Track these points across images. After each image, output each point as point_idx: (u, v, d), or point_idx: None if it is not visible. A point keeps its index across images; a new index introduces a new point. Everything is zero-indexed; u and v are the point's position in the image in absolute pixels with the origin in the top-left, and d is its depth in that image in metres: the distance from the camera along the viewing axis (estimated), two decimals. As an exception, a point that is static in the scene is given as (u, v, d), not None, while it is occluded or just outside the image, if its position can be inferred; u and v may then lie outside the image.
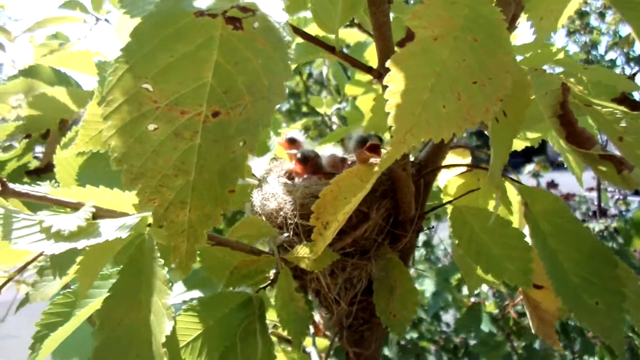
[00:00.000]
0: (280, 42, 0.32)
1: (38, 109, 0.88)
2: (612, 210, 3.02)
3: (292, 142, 0.72)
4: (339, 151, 0.71)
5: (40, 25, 1.21)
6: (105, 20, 1.27)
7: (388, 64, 0.34)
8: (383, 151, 0.65)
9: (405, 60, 0.34)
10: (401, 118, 0.34)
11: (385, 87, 0.35)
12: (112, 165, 0.30)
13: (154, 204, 0.31)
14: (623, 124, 0.55)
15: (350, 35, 1.20)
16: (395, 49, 0.34)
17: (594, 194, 2.85)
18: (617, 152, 0.52)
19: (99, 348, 0.44)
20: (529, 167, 3.19)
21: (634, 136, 0.54)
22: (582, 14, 2.92)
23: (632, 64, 2.83)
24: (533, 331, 0.67)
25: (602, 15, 2.98)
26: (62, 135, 0.83)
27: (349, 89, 1.24)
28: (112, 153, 0.30)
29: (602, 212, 2.65)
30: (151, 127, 0.31)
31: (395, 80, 0.34)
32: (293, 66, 0.49)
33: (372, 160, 0.62)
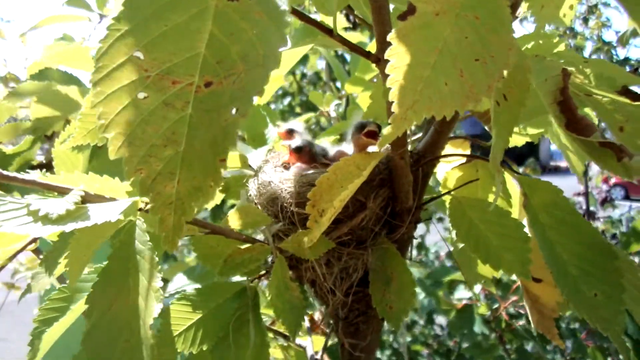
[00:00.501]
0: (276, 11, 0.31)
1: (47, 104, 0.88)
2: (600, 213, 3.03)
3: (290, 133, 0.71)
4: (348, 149, 0.70)
5: (45, 23, 1.20)
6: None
7: (390, 37, 0.33)
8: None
9: (406, 35, 0.33)
10: (403, 94, 0.33)
11: (386, 64, 0.34)
12: (99, 132, 0.29)
13: (140, 174, 0.30)
14: (624, 114, 0.54)
15: (352, 37, 1.20)
16: (397, 22, 0.34)
17: (581, 199, 2.85)
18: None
19: (88, 334, 0.43)
20: (520, 170, 3.18)
21: (635, 125, 0.53)
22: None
23: (616, 67, 2.84)
24: (533, 325, 0.66)
25: (585, 21, 3.01)
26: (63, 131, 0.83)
27: (349, 87, 1.23)
28: (99, 119, 0.30)
29: (590, 216, 2.65)
30: (141, 95, 0.30)
31: (397, 54, 0.33)
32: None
33: (369, 148, 0.61)
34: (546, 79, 0.50)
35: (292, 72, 2.55)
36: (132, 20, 0.32)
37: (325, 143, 0.75)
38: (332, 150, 0.70)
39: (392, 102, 0.34)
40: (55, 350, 0.62)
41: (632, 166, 0.49)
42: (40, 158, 1.00)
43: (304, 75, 2.76)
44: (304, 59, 2.39)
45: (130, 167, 0.30)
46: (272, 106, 2.78)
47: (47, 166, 0.96)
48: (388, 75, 0.34)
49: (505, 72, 0.36)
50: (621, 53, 2.60)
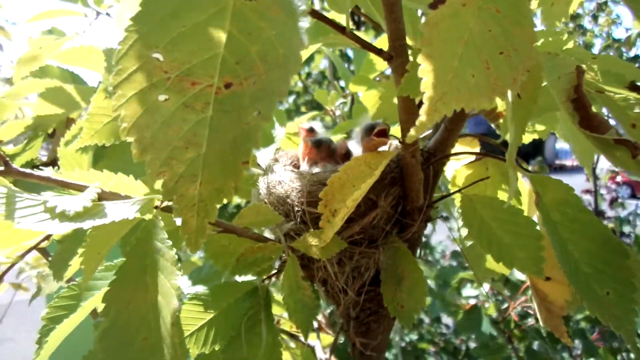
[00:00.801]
0: (294, 10, 0.31)
1: (50, 101, 0.88)
2: (609, 213, 3.03)
3: (311, 131, 0.72)
4: (355, 147, 0.70)
5: (41, 17, 1.20)
6: (107, 14, 1.26)
7: (421, 26, 0.33)
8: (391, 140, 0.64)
9: (437, 24, 0.33)
10: (435, 84, 0.32)
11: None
12: (121, 135, 0.29)
13: (163, 177, 0.30)
14: (637, 110, 0.54)
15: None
16: (428, 11, 0.33)
17: (589, 197, 2.85)
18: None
19: (104, 332, 0.43)
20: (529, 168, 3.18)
21: (648, 123, 0.53)
22: (575, 17, 2.94)
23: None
24: (541, 323, 0.66)
25: (595, 18, 3.01)
26: (68, 130, 0.83)
27: (353, 86, 1.23)
28: (121, 123, 0.30)
29: (598, 214, 2.65)
30: (161, 97, 0.30)
31: (429, 43, 0.33)
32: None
33: (381, 148, 0.61)
34: (559, 77, 0.50)
35: (297, 71, 2.55)
36: (150, 21, 0.31)
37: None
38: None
39: (424, 92, 0.33)
40: (64, 348, 0.62)
41: (646, 164, 0.49)
42: (42, 157, 1.00)
43: (309, 75, 2.76)
44: (309, 59, 2.39)
45: (153, 170, 0.30)
46: (279, 105, 2.78)
47: (51, 165, 0.96)
48: (419, 65, 0.33)
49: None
50: (631, 51, 2.60)
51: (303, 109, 2.83)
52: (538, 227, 0.57)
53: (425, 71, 0.32)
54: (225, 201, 0.33)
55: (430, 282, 1.84)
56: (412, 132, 0.32)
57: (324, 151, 0.63)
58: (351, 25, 0.53)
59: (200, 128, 0.31)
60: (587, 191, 2.99)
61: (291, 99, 2.82)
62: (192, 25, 0.32)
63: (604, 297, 0.52)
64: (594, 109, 0.70)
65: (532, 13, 0.36)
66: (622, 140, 0.49)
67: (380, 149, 0.61)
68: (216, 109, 0.31)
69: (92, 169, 0.79)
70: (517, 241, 0.56)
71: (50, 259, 0.62)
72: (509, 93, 0.42)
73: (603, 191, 3.06)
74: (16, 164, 0.92)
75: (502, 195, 0.69)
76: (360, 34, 1.29)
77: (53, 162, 0.97)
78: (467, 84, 0.33)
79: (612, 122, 0.60)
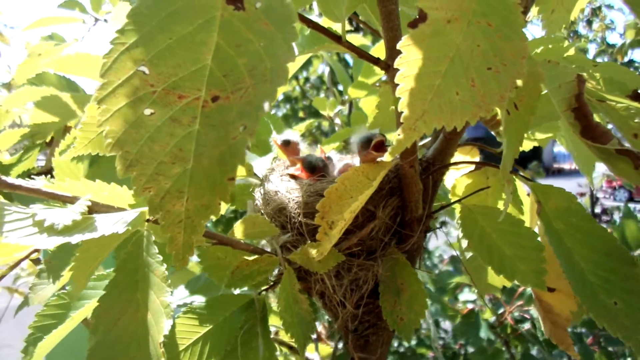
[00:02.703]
0: (284, 22, 0.30)
1: (45, 110, 0.87)
2: (604, 217, 3.02)
3: (286, 145, 0.69)
4: (355, 161, 0.69)
5: (39, 24, 1.20)
6: (105, 20, 1.26)
7: (399, 45, 0.33)
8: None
9: (417, 43, 0.32)
10: (412, 104, 0.32)
11: (395, 72, 0.33)
12: (106, 150, 0.28)
13: (149, 193, 0.29)
14: (638, 120, 0.53)
15: (355, 40, 1.19)
16: (407, 30, 0.33)
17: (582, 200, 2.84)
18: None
19: (93, 349, 0.42)
20: (528, 175, 3.17)
21: (651, 132, 0.52)
22: (570, 22, 2.94)
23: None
24: (546, 335, 0.65)
25: (589, 23, 3.00)
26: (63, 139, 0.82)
27: (352, 92, 1.22)
28: (106, 138, 0.29)
29: (594, 217, 2.64)
30: (147, 111, 0.30)
31: (407, 63, 0.32)
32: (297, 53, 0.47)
33: (378, 159, 0.60)
34: (560, 85, 0.49)
35: (295, 76, 2.54)
36: (136, 33, 0.31)
37: (332, 152, 0.74)
38: (338, 163, 0.68)
39: (402, 112, 0.33)
40: (57, 353, 0.61)
41: (648, 174, 0.48)
42: (41, 162, 1.00)
43: (307, 80, 2.76)
44: (307, 64, 2.38)
45: (139, 185, 0.29)
46: (276, 111, 2.77)
47: (47, 174, 0.95)
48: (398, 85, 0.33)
49: (518, 82, 0.35)
50: (623, 59, 2.61)
51: (301, 114, 2.83)
52: (539, 238, 0.56)
53: (403, 91, 0.32)
54: (213, 218, 0.32)
55: (430, 286, 1.83)
56: (389, 151, 0.32)
57: (318, 174, 0.62)
58: (350, 28, 0.53)
59: (187, 143, 0.30)
60: (582, 194, 2.99)
61: (289, 104, 2.81)
62: (178, 38, 0.31)
63: (612, 306, 0.50)
64: (596, 117, 0.69)
65: (524, 26, 0.35)
66: (624, 150, 0.48)
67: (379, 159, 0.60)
68: (203, 123, 0.30)
69: (86, 176, 0.79)
70: (519, 253, 0.55)
71: (39, 267, 0.61)
72: (503, 107, 0.41)
73: (600, 194, 3.05)
74: (13, 174, 0.91)
75: (502, 205, 0.68)
76: (359, 37, 1.29)
77: (49, 170, 0.96)
78: (450, 102, 0.32)
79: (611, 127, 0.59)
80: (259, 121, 0.29)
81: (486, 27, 0.35)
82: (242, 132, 0.29)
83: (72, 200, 0.45)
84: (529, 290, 1.46)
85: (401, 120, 0.32)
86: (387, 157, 0.33)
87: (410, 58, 0.32)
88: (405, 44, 0.33)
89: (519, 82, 0.41)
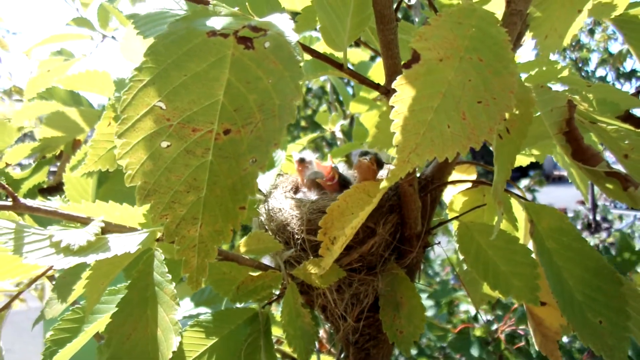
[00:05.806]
0: (291, 61, 0.33)
1: (53, 127, 0.90)
2: (604, 224, 3.04)
3: (302, 162, 0.74)
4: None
5: (47, 42, 1.23)
6: (112, 37, 1.29)
7: (394, 85, 0.35)
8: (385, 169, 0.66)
9: (411, 82, 0.35)
10: (405, 138, 0.34)
11: (391, 108, 0.36)
12: (126, 182, 0.31)
13: (166, 220, 0.32)
14: (628, 142, 0.55)
15: (354, 55, 1.22)
16: (403, 70, 0.35)
17: (583, 208, 2.86)
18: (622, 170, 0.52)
19: (106, 363, 0.44)
20: (525, 182, 3.20)
21: (640, 153, 0.54)
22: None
23: (622, 80, 2.86)
24: (536, 348, 0.66)
25: (591, 32, 3.04)
26: (74, 155, 0.85)
27: (353, 107, 1.25)
28: (125, 170, 0.31)
29: (597, 225, 2.65)
30: (164, 144, 0.32)
31: (401, 101, 0.35)
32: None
33: (379, 174, 0.62)
34: (552, 110, 0.51)
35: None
36: (153, 71, 0.33)
37: (341, 165, 0.77)
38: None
39: (396, 145, 0.35)
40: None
41: (637, 195, 0.50)
42: (48, 177, 1.02)
43: (309, 90, 2.79)
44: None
45: (156, 213, 0.31)
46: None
47: (57, 189, 0.97)
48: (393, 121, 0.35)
49: (507, 115, 0.37)
50: (627, 64, 2.65)
51: (303, 123, 2.85)
52: (533, 255, 0.58)
53: (397, 126, 0.34)
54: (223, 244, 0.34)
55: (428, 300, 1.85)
56: (384, 183, 0.34)
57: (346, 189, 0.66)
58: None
59: (200, 173, 0.32)
60: (582, 202, 3.01)
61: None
62: (193, 74, 0.33)
63: (597, 326, 0.52)
64: (592, 136, 0.71)
65: (514, 61, 0.37)
66: (613, 172, 0.50)
67: (378, 176, 0.63)
68: (215, 154, 0.32)
69: (97, 192, 0.81)
70: (513, 269, 0.57)
71: (54, 283, 0.63)
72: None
73: (600, 202, 3.06)
74: (24, 188, 0.94)
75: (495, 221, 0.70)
76: (359, 52, 1.32)
77: (58, 185, 0.98)
78: (442, 134, 0.34)
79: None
80: (269, 156, 0.31)
81: (477, 62, 0.37)
82: (253, 165, 0.31)
83: (86, 221, 0.47)
84: (522, 307, 1.47)
85: (395, 154, 0.34)
86: (383, 185, 0.35)
87: (404, 96, 0.35)
88: (399, 83, 0.35)
89: (507, 115, 0.44)
